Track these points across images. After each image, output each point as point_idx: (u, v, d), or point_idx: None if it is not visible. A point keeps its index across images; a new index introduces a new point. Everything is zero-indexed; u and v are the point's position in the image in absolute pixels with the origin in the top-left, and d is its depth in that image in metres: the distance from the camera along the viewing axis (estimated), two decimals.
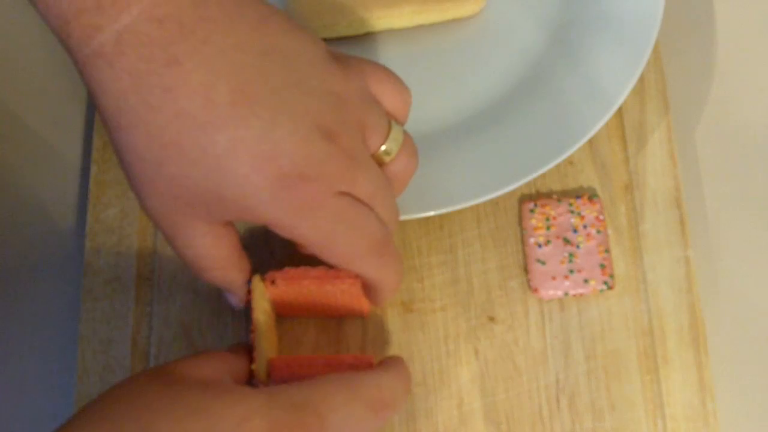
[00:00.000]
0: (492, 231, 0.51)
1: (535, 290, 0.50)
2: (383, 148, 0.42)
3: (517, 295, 0.50)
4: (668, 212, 0.52)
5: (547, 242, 0.50)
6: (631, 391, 0.48)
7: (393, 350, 0.49)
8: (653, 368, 0.48)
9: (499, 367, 0.49)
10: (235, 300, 0.46)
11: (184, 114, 0.36)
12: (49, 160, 0.56)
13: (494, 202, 0.52)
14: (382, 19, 0.54)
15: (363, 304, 0.46)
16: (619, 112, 0.54)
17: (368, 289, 0.45)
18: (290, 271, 0.45)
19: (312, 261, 0.44)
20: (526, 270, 0.50)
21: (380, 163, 0.43)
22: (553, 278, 0.49)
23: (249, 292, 0.45)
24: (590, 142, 0.53)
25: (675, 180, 0.52)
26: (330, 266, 0.44)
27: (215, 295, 0.50)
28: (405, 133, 0.44)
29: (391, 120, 0.43)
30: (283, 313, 0.48)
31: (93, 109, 0.56)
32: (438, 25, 0.56)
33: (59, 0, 0.36)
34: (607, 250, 0.50)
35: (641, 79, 0.54)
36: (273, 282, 0.45)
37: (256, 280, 0.45)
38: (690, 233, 0.51)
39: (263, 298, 0.45)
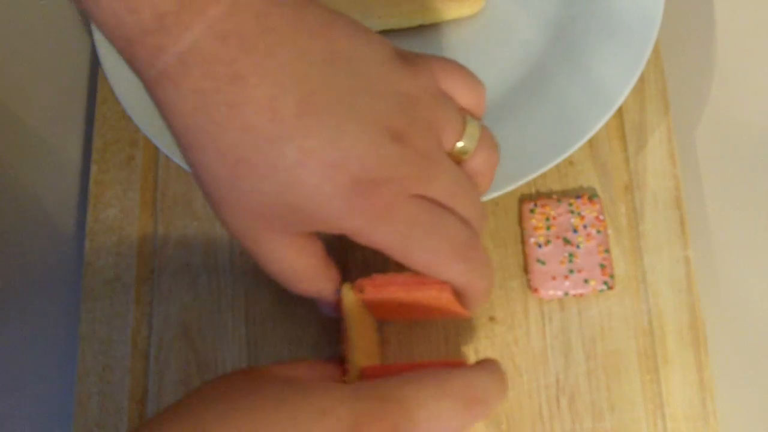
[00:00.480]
0: (492, 231, 0.51)
1: (535, 290, 0.50)
2: (459, 145, 0.41)
3: (517, 295, 0.50)
4: (668, 212, 0.52)
5: (547, 242, 0.50)
6: (631, 391, 0.48)
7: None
8: (653, 368, 0.48)
9: None
10: (328, 309, 0.45)
11: (251, 129, 0.36)
12: (49, 160, 0.56)
13: (494, 202, 0.52)
14: (382, 19, 0.54)
15: (459, 308, 0.44)
16: (619, 112, 0.54)
17: (457, 295, 0.43)
18: (378, 278, 0.43)
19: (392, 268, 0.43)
20: (526, 270, 0.50)
21: (458, 161, 0.41)
22: (553, 278, 0.49)
23: (338, 301, 0.44)
24: (590, 142, 0.53)
25: (675, 180, 0.52)
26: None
27: (215, 295, 0.50)
28: (482, 127, 0.42)
29: (466, 115, 0.42)
30: (383, 318, 0.47)
31: (93, 108, 0.56)
32: (438, 25, 0.56)
33: (123, 22, 0.35)
34: (607, 250, 0.50)
35: (641, 79, 0.54)
36: (361, 290, 0.43)
37: (346, 289, 0.44)
38: (690, 233, 0.51)
39: (356, 306, 0.44)
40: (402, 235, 0.39)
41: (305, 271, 0.42)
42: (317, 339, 0.49)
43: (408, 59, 0.41)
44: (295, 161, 0.37)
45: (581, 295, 0.49)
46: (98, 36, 0.53)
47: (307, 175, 0.37)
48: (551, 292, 0.49)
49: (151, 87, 0.37)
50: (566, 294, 0.49)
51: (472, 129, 0.41)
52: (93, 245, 0.52)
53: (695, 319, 0.49)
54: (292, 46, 0.37)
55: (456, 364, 0.41)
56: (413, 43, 0.55)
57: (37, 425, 0.50)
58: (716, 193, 0.54)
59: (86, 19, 0.59)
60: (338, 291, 0.44)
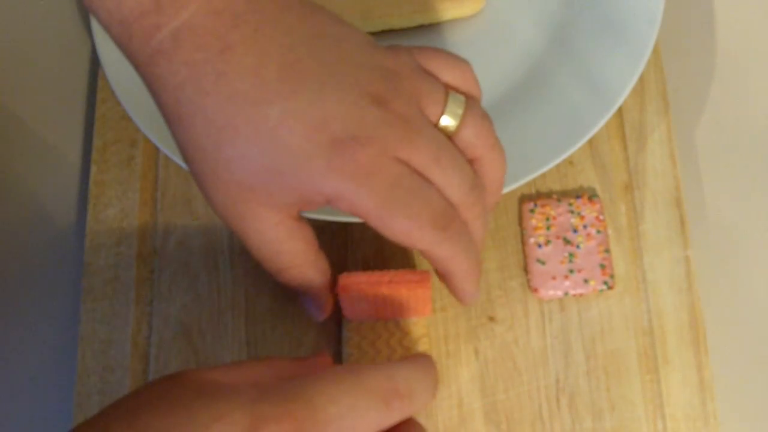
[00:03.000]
0: (492, 231, 0.51)
1: (535, 290, 0.49)
2: (444, 119, 0.41)
3: (517, 295, 0.50)
4: (668, 212, 0.52)
5: (547, 242, 0.50)
6: (631, 391, 0.48)
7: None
8: (653, 368, 0.48)
9: (499, 367, 0.49)
10: (315, 308, 0.45)
11: (237, 95, 0.37)
12: (49, 160, 0.56)
13: None
14: (382, 19, 0.54)
15: (421, 304, 0.46)
16: (619, 112, 0.54)
17: (442, 276, 0.43)
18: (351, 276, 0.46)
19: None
20: (526, 270, 0.50)
21: (447, 136, 0.41)
22: (553, 278, 0.49)
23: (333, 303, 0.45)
24: (590, 142, 0.53)
25: (675, 180, 0.52)
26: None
27: (215, 295, 0.50)
28: (470, 102, 0.42)
29: (450, 91, 0.42)
30: (357, 318, 0.48)
31: (93, 108, 0.56)
32: (438, 25, 0.56)
33: (121, 6, 0.37)
34: (607, 250, 0.50)
35: (641, 79, 0.54)
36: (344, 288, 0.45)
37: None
38: (690, 233, 0.51)
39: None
40: (382, 196, 0.39)
41: (294, 255, 0.42)
42: (317, 339, 0.49)
43: (388, 47, 0.42)
44: (277, 122, 0.38)
45: (581, 295, 0.49)
46: (98, 36, 0.53)
47: (288, 136, 0.38)
48: (551, 292, 0.49)
49: (144, 68, 0.38)
50: (566, 294, 0.49)
51: (455, 103, 0.41)
52: (93, 245, 0.52)
53: (695, 319, 0.49)
54: (279, 24, 0.39)
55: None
56: (413, 43, 0.55)
57: (37, 425, 0.50)
58: (716, 193, 0.54)
59: (86, 19, 0.59)
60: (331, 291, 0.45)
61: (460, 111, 0.41)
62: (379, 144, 0.38)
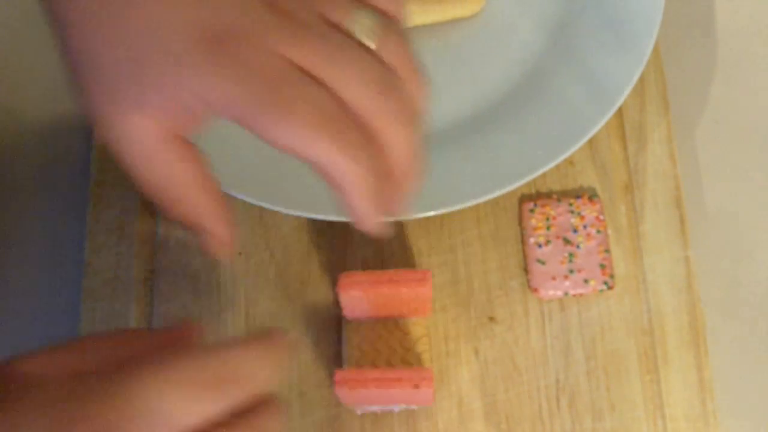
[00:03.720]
0: (492, 231, 0.51)
1: (535, 290, 0.49)
2: (348, 26, 0.37)
3: (517, 295, 0.50)
4: (668, 212, 0.52)
5: (547, 242, 0.50)
6: (631, 391, 0.48)
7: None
8: (653, 368, 0.48)
9: (499, 367, 0.49)
10: (214, 242, 0.40)
11: None
12: (49, 160, 0.56)
13: (494, 202, 0.52)
14: None
15: (421, 304, 0.47)
16: (619, 112, 0.54)
17: (333, 186, 0.38)
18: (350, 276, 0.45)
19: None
20: (526, 270, 0.50)
21: None
22: (553, 278, 0.49)
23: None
24: (590, 142, 0.53)
25: (675, 180, 0.52)
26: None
27: (215, 295, 0.50)
28: (385, 19, 0.38)
29: (363, 5, 0.38)
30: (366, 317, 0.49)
31: None
32: (438, 25, 0.56)
33: None
34: (607, 250, 0.50)
35: (641, 79, 0.54)
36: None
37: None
38: (690, 233, 0.51)
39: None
40: (260, 96, 0.35)
41: (173, 173, 0.38)
42: (317, 339, 0.49)
43: None
44: (148, 18, 0.36)
45: (581, 295, 0.49)
46: None
47: (160, 31, 0.36)
48: (551, 292, 0.49)
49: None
50: (566, 294, 0.49)
51: (363, 15, 0.38)
52: (93, 245, 0.52)
53: (695, 319, 0.49)
54: None
55: (423, 373, 0.43)
56: (413, 44, 0.55)
57: None
58: (716, 193, 0.54)
59: None
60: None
61: (368, 22, 0.38)
62: (258, 39, 0.35)
